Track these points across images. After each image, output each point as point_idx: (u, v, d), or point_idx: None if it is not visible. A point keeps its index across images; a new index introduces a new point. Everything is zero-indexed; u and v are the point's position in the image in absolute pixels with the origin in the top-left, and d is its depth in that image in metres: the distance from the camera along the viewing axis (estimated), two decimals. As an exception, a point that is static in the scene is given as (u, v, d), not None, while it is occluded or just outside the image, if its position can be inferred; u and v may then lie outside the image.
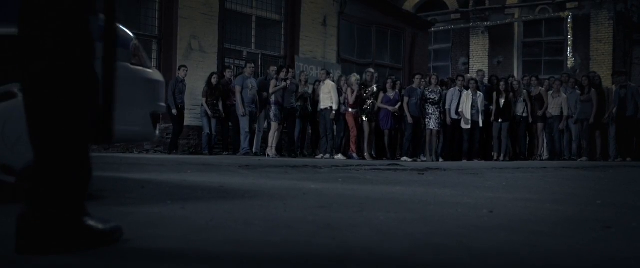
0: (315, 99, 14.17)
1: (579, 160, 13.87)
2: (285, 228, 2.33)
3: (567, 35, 23.50)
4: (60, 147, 1.84)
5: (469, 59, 25.41)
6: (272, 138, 13.52)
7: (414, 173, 6.68)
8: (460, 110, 14.00)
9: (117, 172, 4.75)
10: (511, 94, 14.35)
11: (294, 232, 2.24)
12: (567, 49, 23.48)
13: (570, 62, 23.25)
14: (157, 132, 3.57)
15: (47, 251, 1.72)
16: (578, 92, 14.39)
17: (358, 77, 14.18)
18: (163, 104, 3.54)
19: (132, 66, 3.25)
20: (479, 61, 25.10)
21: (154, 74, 3.48)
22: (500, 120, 14.23)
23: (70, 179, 1.84)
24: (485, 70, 24.64)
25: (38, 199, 1.79)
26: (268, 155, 13.23)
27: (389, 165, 7.45)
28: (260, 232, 2.21)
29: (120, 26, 3.39)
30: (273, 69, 14.19)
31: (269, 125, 13.99)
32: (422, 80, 14.39)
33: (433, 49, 26.21)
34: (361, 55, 19.17)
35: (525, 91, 14.64)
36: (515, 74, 24.18)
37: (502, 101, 14.25)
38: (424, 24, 21.24)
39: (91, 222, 1.86)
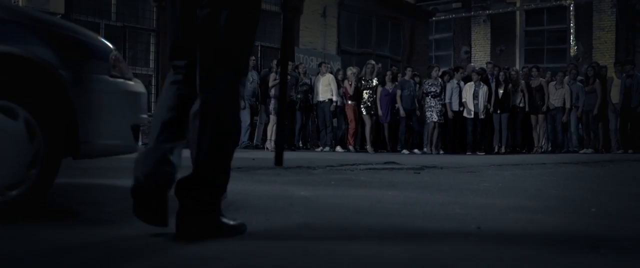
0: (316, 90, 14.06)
1: (582, 151, 13.80)
2: (261, 256, 2.26)
3: (570, 23, 23.33)
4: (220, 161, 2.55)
5: (470, 48, 25.25)
6: (271, 131, 13.41)
7: (410, 172, 6.60)
8: (464, 100, 13.89)
9: (106, 178, 4.68)
10: (510, 85, 14.24)
11: (269, 261, 2.17)
12: (570, 38, 23.32)
13: (572, 51, 23.10)
14: (140, 143, 3.49)
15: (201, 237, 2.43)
16: (580, 83, 14.27)
17: (354, 70, 14.10)
18: (145, 116, 3.47)
19: (111, 78, 3.17)
20: (480, 50, 24.96)
21: (135, 85, 3.40)
22: (498, 111, 14.13)
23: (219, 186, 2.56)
24: (488, 59, 24.59)
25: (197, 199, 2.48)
26: (267, 148, 13.14)
27: (385, 163, 7.36)
28: (234, 262, 2.14)
29: (99, 38, 3.31)
30: (275, 61, 14.11)
31: (269, 118, 13.96)
32: (414, 72, 14.35)
33: (434, 39, 26.05)
34: (361, 46, 19.03)
35: (523, 81, 14.52)
36: (517, 63, 24.07)
37: (501, 92, 14.14)
38: (424, 14, 21.05)
39: (224, 220, 2.58)
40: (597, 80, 13.98)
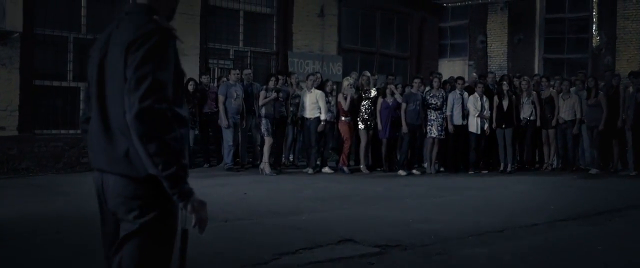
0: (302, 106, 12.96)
1: (592, 171, 12.61)
2: None
3: (593, 11, 21.79)
4: None
5: (486, 37, 23.77)
6: (267, 153, 12.22)
7: (363, 264, 5.55)
8: (477, 115, 12.69)
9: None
10: (514, 96, 13.01)
11: None
12: (593, 27, 21.80)
13: (595, 41, 21.61)
14: None
15: None
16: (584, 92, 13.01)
17: (351, 81, 12.98)
18: None
19: None
20: (497, 40, 23.47)
21: None
22: (503, 126, 12.90)
23: None
24: (505, 49, 23.19)
25: None
26: (262, 171, 12.07)
27: (339, 242, 6.22)
28: None
29: None
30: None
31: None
32: (422, 82, 13.08)
33: (449, 26, 24.64)
34: (365, 43, 17.85)
35: (534, 92, 13.26)
36: (536, 54, 22.67)
37: (505, 104, 12.89)
38: (435, 8, 19.68)
39: None
40: (601, 93, 12.63)
